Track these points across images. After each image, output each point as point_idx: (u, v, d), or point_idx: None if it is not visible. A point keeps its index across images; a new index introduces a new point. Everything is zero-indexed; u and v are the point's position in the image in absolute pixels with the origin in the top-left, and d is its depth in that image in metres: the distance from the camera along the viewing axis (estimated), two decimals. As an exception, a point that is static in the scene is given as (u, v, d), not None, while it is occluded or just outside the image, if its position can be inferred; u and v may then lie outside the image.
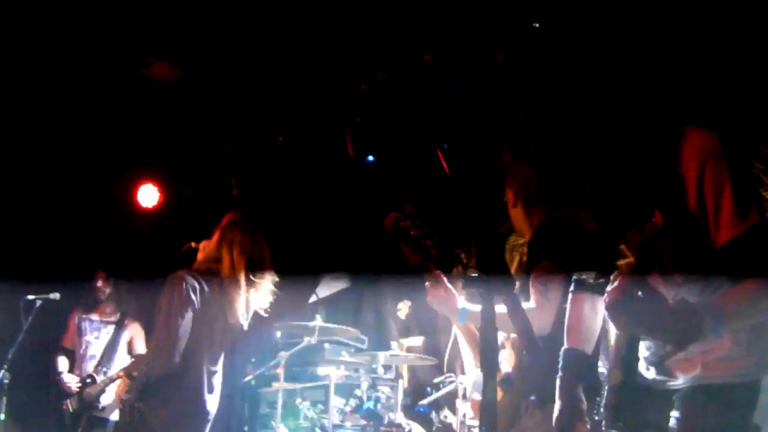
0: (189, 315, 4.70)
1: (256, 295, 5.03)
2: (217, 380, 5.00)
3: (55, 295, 6.85)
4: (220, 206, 8.56)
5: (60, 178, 8.14)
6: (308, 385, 6.86)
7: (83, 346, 7.59)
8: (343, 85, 6.61)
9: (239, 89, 7.25)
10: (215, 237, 5.07)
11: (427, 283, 3.80)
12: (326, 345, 6.92)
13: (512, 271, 7.38)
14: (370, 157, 7.19)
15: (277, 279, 5.15)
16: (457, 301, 3.82)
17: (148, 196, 8.42)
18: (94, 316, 7.71)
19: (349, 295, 9.43)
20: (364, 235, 8.69)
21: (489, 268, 2.75)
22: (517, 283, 3.93)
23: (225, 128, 8.00)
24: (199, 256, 5.08)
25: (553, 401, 3.38)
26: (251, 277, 4.97)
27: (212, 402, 4.92)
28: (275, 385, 6.65)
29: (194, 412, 4.82)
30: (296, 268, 9.32)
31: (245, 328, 5.01)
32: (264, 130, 7.83)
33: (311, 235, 9.22)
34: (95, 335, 7.63)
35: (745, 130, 5.94)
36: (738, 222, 2.74)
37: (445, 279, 3.77)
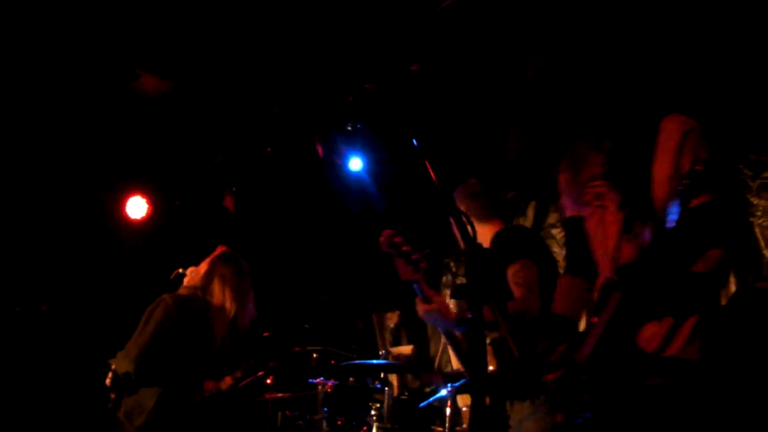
0: (162, 334, 5.13)
1: (241, 321, 5.51)
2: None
3: None
4: (208, 218, 8.61)
5: (48, 189, 8.14)
6: (298, 394, 6.86)
7: None
8: (331, 96, 6.64)
9: (227, 101, 7.27)
10: (205, 267, 5.55)
11: (417, 298, 3.87)
12: (315, 354, 6.93)
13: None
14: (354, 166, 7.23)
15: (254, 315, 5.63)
16: (450, 312, 3.89)
17: (137, 208, 8.42)
18: None
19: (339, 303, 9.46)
20: (354, 244, 8.73)
21: (478, 276, 2.77)
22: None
23: (213, 140, 8.01)
24: (186, 281, 5.53)
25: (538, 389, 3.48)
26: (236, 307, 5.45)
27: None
28: (265, 394, 6.65)
29: None
30: (286, 276, 9.39)
31: (226, 346, 5.45)
32: (252, 141, 7.85)
33: (300, 245, 9.25)
34: None
35: (733, 137, 6.03)
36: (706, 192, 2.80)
37: (432, 292, 3.87)
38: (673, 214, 2.70)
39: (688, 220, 2.70)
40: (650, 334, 2.94)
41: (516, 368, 3.90)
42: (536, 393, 3.89)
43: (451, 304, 8.15)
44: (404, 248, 3.62)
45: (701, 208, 2.80)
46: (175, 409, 5.24)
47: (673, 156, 2.96)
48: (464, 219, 2.94)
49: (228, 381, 6.15)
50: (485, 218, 4.41)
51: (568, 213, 3.52)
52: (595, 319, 3.00)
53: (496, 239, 4.28)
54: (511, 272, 3.96)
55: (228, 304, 5.43)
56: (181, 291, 5.47)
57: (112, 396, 5.33)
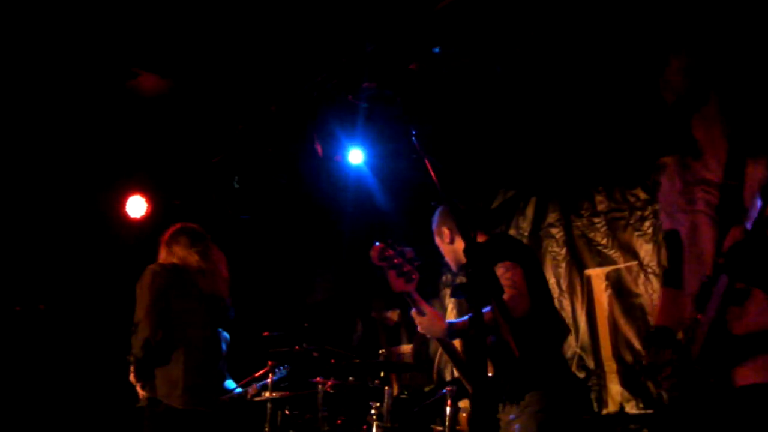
0: (159, 296, 5.33)
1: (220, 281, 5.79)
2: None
3: None
4: (207, 216, 8.61)
5: (48, 188, 8.13)
6: (297, 393, 6.85)
7: None
8: (331, 95, 6.64)
9: (226, 100, 7.27)
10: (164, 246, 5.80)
11: (413, 311, 3.94)
12: (315, 353, 6.91)
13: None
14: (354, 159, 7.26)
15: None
16: (442, 320, 3.97)
17: (136, 207, 8.42)
18: None
19: (339, 303, 9.45)
20: (352, 242, 8.73)
21: (477, 276, 2.77)
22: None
23: (212, 139, 8.01)
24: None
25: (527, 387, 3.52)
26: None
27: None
28: (265, 394, 6.65)
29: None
30: (285, 274, 9.39)
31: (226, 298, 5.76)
32: (251, 141, 7.84)
33: (299, 241, 9.25)
34: None
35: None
36: None
37: (424, 303, 3.94)
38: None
39: None
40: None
41: (514, 370, 3.93)
42: (523, 395, 3.94)
43: (451, 303, 8.23)
44: (396, 261, 3.67)
45: None
46: (206, 374, 5.40)
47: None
48: (464, 219, 2.95)
49: (253, 389, 6.31)
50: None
51: (665, 226, 3.54)
52: (700, 316, 3.06)
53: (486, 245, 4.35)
54: (498, 273, 4.01)
55: (201, 265, 5.66)
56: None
57: (139, 388, 5.37)
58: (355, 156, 7.25)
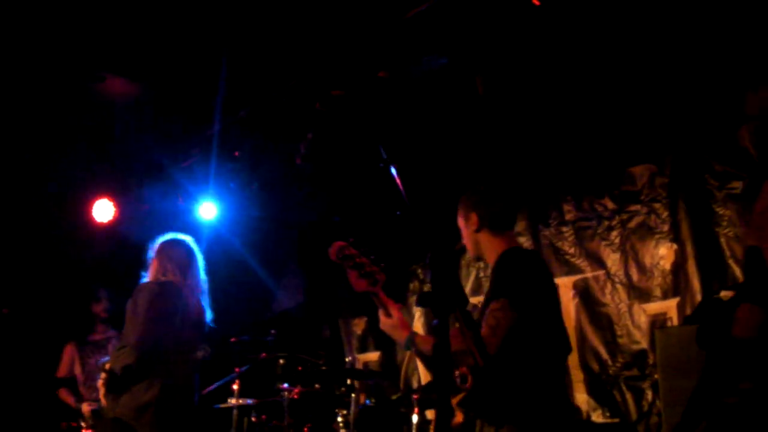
0: (155, 320, 5.18)
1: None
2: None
3: None
4: (175, 221, 8.56)
5: (14, 191, 8.07)
6: (263, 400, 6.83)
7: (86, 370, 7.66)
8: (298, 103, 6.63)
9: (195, 104, 7.24)
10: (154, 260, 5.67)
11: (379, 311, 3.90)
12: (281, 360, 6.90)
13: (467, 286, 7.46)
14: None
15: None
16: (406, 327, 3.92)
17: (104, 211, 8.37)
18: (96, 337, 7.79)
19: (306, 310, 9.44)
20: (323, 248, 8.71)
21: (443, 284, 2.76)
22: (470, 300, 3.99)
23: (181, 143, 7.98)
24: (149, 276, 5.61)
25: (504, 419, 3.46)
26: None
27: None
28: (230, 400, 6.62)
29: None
30: (257, 280, 9.36)
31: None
32: (220, 145, 7.82)
33: (268, 249, 9.22)
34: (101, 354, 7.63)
35: (698, 147, 6.07)
36: None
37: (392, 304, 3.88)
38: None
39: None
40: None
41: (484, 380, 3.88)
42: (501, 424, 3.83)
43: (418, 311, 8.22)
44: (357, 260, 3.64)
45: None
46: (179, 401, 5.31)
47: None
48: (430, 226, 2.92)
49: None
50: (499, 229, 4.21)
51: (749, 242, 3.57)
52: None
53: (499, 261, 4.13)
54: (491, 307, 3.91)
55: (192, 282, 5.60)
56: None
57: (103, 398, 5.29)
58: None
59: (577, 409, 6.84)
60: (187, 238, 5.77)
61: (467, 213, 4.25)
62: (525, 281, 3.98)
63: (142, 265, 5.78)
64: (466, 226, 4.25)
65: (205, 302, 5.65)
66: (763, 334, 3.27)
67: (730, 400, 3.03)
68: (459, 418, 3.93)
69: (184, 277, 5.53)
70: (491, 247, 4.17)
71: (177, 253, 5.62)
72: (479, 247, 4.23)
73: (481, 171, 7.67)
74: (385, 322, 3.90)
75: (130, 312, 5.22)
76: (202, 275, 5.72)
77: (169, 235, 5.77)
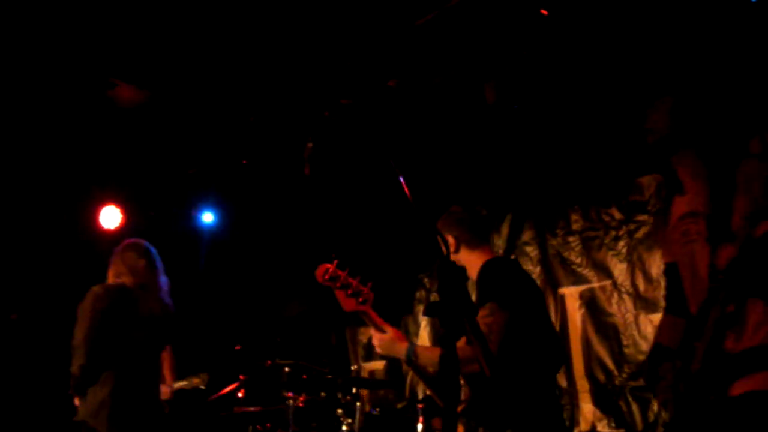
0: (99, 320, 5.38)
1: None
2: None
3: None
4: (182, 228, 8.57)
5: (22, 198, 8.08)
6: (268, 408, 6.83)
7: None
8: (307, 111, 6.63)
9: (203, 112, 7.25)
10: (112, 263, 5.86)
11: (371, 330, 3.93)
12: (287, 368, 6.89)
13: (475, 296, 7.45)
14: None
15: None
16: (404, 339, 3.96)
17: (111, 217, 8.37)
18: None
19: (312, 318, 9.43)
20: (327, 257, 8.70)
21: (451, 294, 2.76)
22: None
23: (188, 151, 7.98)
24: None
25: (505, 425, 3.47)
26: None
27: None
28: (235, 408, 6.62)
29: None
30: (260, 287, 9.36)
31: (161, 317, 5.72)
32: (228, 153, 7.83)
33: (274, 256, 9.22)
34: None
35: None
36: None
37: (383, 322, 3.92)
38: None
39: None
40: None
41: (489, 391, 3.90)
42: (504, 426, 3.88)
43: (424, 320, 8.22)
44: (344, 281, 3.67)
45: None
46: (135, 398, 5.42)
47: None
48: (438, 237, 2.94)
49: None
50: (475, 245, 4.38)
51: (665, 260, 3.70)
52: (698, 343, 3.15)
53: (480, 272, 4.27)
54: (479, 315, 3.96)
55: (146, 283, 5.72)
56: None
57: (76, 402, 5.49)
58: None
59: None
60: (142, 242, 5.91)
61: (444, 237, 4.37)
62: (509, 284, 4.11)
63: None
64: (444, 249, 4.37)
65: (167, 302, 5.83)
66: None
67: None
68: (460, 429, 3.95)
69: (138, 279, 5.67)
70: (472, 263, 4.33)
71: (129, 257, 5.74)
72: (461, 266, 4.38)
73: (488, 180, 7.68)
74: (382, 339, 3.94)
75: (78, 315, 5.48)
76: (160, 276, 5.86)
77: (128, 240, 5.94)
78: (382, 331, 3.93)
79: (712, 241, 3.24)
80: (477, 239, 4.38)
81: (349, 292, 3.75)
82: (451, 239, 4.36)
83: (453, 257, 4.36)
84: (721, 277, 3.13)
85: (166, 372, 6.57)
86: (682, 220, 3.47)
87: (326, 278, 3.76)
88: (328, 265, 3.77)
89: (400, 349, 3.95)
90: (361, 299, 3.78)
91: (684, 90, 3.60)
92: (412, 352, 3.93)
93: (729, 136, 3.56)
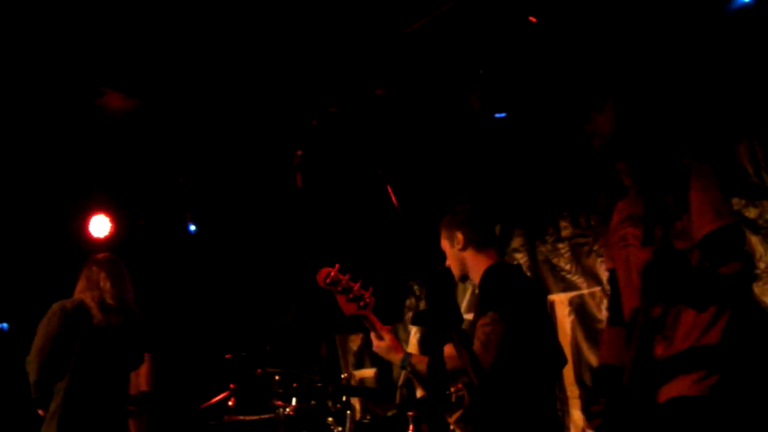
0: (52, 336, 5.55)
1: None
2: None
3: None
4: (172, 237, 8.56)
5: (9, 206, 8.06)
6: (259, 417, 6.81)
7: None
8: (294, 119, 6.63)
9: (193, 120, 7.24)
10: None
11: (371, 333, 3.95)
12: (277, 377, 6.88)
13: (463, 304, 7.46)
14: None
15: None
16: (400, 348, 3.98)
17: (100, 226, 8.35)
18: None
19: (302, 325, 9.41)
20: (316, 264, 8.70)
21: (438, 302, 2.77)
22: (466, 317, 4.03)
23: (178, 159, 7.97)
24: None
25: None
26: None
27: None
28: (226, 417, 6.61)
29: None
30: (248, 294, 9.35)
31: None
32: (217, 161, 7.82)
33: (263, 266, 9.21)
34: None
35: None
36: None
37: (383, 327, 3.94)
38: None
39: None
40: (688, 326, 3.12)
41: (480, 397, 3.90)
42: None
43: (414, 327, 8.22)
44: (345, 284, 3.69)
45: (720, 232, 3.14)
46: (86, 410, 5.56)
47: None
48: (425, 243, 2.95)
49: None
50: (482, 246, 4.34)
51: (607, 266, 3.72)
52: (626, 355, 3.15)
53: (484, 277, 4.23)
54: (479, 323, 3.96)
55: (100, 293, 5.82)
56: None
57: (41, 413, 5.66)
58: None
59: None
60: (105, 256, 6.09)
61: (452, 232, 4.38)
62: (512, 293, 4.09)
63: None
64: (451, 245, 4.38)
65: (131, 312, 5.93)
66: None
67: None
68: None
69: (99, 293, 5.80)
70: (476, 265, 4.29)
71: (91, 272, 5.91)
72: (465, 266, 4.35)
73: (477, 188, 7.68)
74: (378, 345, 3.96)
75: (37, 330, 5.67)
76: (123, 288, 5.94)
77: (94, 255, 6.11)
78: (380, 337, 3.95)
79: (646, 246, 3.19)
80: (484, 240, 4.34)
81: (350, 296, 3.78)
82: (460, 236, 4.32)
83: (456, 256, 4.35)
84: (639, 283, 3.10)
85: (142, 379, 6.61)
86: (621, 224, 3.47)
87: (327, 282, 3.78)
88: (330, 269, 3.79)
89: (396, 357, 3.99)
90: (362, 303, 3.81)
91: (633, 92, 3.58)
92: (407, 361, 3.96)
93: (670, 141, 3.58)
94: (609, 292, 3.79)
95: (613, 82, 3.67)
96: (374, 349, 4.01)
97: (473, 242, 4.30)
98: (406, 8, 5.66)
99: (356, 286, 3.82)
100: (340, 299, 3.78)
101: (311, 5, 5.64)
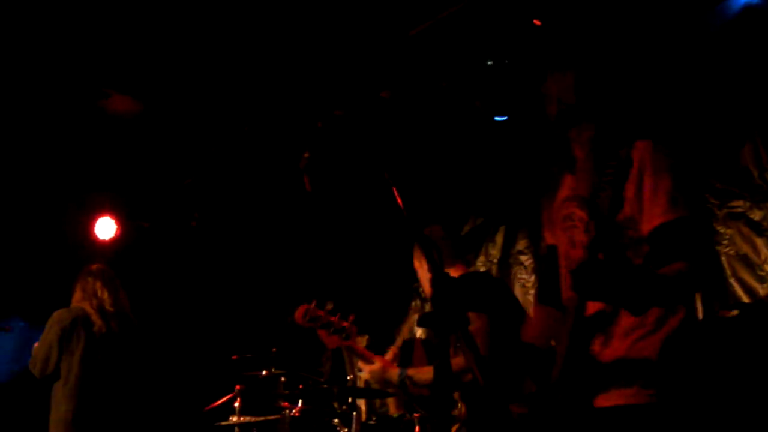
0: (56, 342, 5.98)
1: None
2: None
3: None
4: (177, 240, 8.57)
5: (15, 208, 8.07)
6: (265, 418, 6.81)
7: None
8: (300, 122, 6.64)
9: (198, 123, 7.25)
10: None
11: (359, 363, 3.96)
12: (283, 378, 6.88)
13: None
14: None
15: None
16: (393, 365, 3.98)
17: (106, 228, 8.37)
18: None
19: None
20: (323, 266, 8.71)
21: (443, 304, 2.78)
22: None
23: (184, 161, 7.99)
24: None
25: None
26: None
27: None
28: (232, 418, 6.60)
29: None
30: (254, 296, 9.35)
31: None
32: (222, 164, 7.83)
33: (269, 267, 9.22)
34: None
35: (699, 166, 6.09)
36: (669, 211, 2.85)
37: (369, 353, 3.94)
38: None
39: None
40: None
41: (484, 402, 3.91)
42: None
43: (419, 330, 8.22)
44: (325, 320, 3.70)
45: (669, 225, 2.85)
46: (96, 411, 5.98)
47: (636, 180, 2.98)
48: (431, 249, 2.95)
49: None
50: (451, 262, 4.46)
51: (547, 241, 3.48)
52: (560, 346, 2.96)
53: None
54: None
55: (97, 302, 6.22)
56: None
57: None
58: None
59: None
60: (98, 266, 6.46)
61: (418, 254, 4.46)
62: (482, 291, 4.13)
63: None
64: (420, 265, 4.46)
65: (129, 321, 6.33)
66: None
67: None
68: None
69: (97, 301, 6.20)
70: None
71: (87, 282, 6.31)
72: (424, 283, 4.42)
73: (482, 190, 7.69)
74: (370, 369, 3.97)
75: (43, 332, 6.09)
76: (117, 295, 6.33)
77: (86, 267, 6.46)
78: (369, 361, 3.97)
79: (594, 231, 2.97)
80: (453, 257, 4.43)
81: (331, 330, 3.80)
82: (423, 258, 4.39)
83: (428, 277, 4.39)
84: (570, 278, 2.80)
85: None
86: (567, 201, 3.27)
87: (307, 320, 3.80)
88: (307, 306, 3.81)
89: (392, 376, 4.00)
90: (344, 335, 3.83)
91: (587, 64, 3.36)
92: (405, 375, 3.97)
93: (632, 118, 3.35)
94: (542, 269, 3.59)
95: (580, 45, 3.49)
96: (366, 376, 4.03)
97: (444, 259, 4.37)
98: (411, 11, 5.67)
99: (335, 319, 3.85)
100: (322, 334, 3.83)
101: (316, 8, 5.65)
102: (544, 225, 3.52)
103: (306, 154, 3.91)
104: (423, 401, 4.13)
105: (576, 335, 2.85)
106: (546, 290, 3.40)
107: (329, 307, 3.88)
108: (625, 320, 2.91)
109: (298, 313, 3.79)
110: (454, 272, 4.37)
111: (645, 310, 2.73)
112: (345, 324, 3.83)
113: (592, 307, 2.90)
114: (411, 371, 3.99)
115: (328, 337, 3.81)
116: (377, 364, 3.98)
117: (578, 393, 2.87)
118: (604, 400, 2.87)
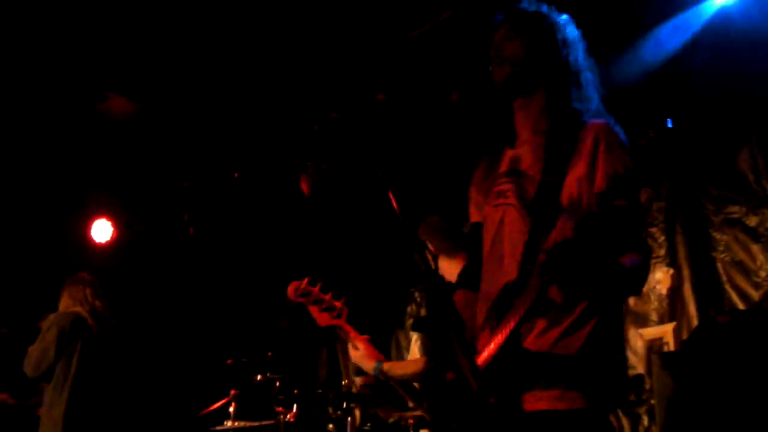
0: (52, 345, 6.21)
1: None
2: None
3: None
4: (174, 242, 8.55)
5: (12, 211, 8.06)
6: (260, 423, 6.80)
7: None
8: (297, 125, 6.64)
9: (195, 125, 7.25)
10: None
11: (348, 344, 3.96)
12: (278, 383, 6.87)
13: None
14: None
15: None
16: (374, 357, 3.98)
17: (103, 231, 8.36)
18: None
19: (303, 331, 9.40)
20: (319, 270, 8.70)
21: (437, 308, 2.77)
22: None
23: (181, 164, 7.98)
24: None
25: None
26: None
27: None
28: (227, 423, 6.59)
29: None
30: (249, 301, 9.34)
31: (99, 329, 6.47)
32: (219, 166, 7.83)
33: (266, 269, 9.21)
34: None
35: (695, 172, 6.08)
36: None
37: (357, 336, 3.93)
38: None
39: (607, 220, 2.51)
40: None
41: (477, 406, 3.89)
42: None
43: (415, 334, 8.22)
44: (317, 296, 3.70)
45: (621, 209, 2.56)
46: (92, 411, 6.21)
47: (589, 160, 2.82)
48: (426, 252, 2.93)
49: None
50: (453, 254, 4.39)
51: (473, 219, 3.27)
52: (494, 334, 2.75)
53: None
54: None
55: (88, 307, 6.51)
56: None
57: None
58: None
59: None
60: (84, 275, 6.75)
61: (428, 248, 4.42)
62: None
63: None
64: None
65: (114, 325, 6.64)
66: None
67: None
68: None
69: (88, 306, 6.49)
70: (451, 271, 4.30)
71: (75, 290, 6.61)
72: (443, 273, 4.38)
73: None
74: (354, 354, 3.98)
75: (40, 334, 6.34)
76: (106, 303, 6.65)
77: (70, 277, 6.75)
78: (355, 347, 3.98)
79: (536, 214, 2.81)
80: (454, 248, 4.41)
81: (323, 306, 3.80)
82: (430, 247, 4.38)
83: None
84: (543, 259, 2.59)
85: None
86: (504, 176, 3.04)
87: (298, 294, 3.80)
88: (299, 282, 3.82)
89: (369, 366, 4.00)
90: (335, 314, 3.82)
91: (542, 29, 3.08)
92: (380, 370, 3.98)
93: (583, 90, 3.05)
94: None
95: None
96: (351, 359, 4.04)
97: (444, 251, 4.39)
98: (408, 14, 5.67)
99: (327, 297, 3.85)
100: (313, 310, 3.81)
101: (312, 11, 5.65)
102: (471, 200, 3.32)
103: (310, 164, 3.90)
104: (409, 392, 4.13)
105: (525, 320, 2.66)
106: (471, 273, 3.16)
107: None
108: (552, 313, 2.73)
109: (290, 288, 3.78)
110: (454, 264, 4.34)
111: (576, 303, 2.66)
112: (337, 303, 3.83)
113: (534, 293, 2.64)
114: (386, 365, 4.00)
115: (319, 314, 3.80)
116: (360, 351, 3.98)
117: (505, 386, 2.71)
118: (531, 403, 2.69)
